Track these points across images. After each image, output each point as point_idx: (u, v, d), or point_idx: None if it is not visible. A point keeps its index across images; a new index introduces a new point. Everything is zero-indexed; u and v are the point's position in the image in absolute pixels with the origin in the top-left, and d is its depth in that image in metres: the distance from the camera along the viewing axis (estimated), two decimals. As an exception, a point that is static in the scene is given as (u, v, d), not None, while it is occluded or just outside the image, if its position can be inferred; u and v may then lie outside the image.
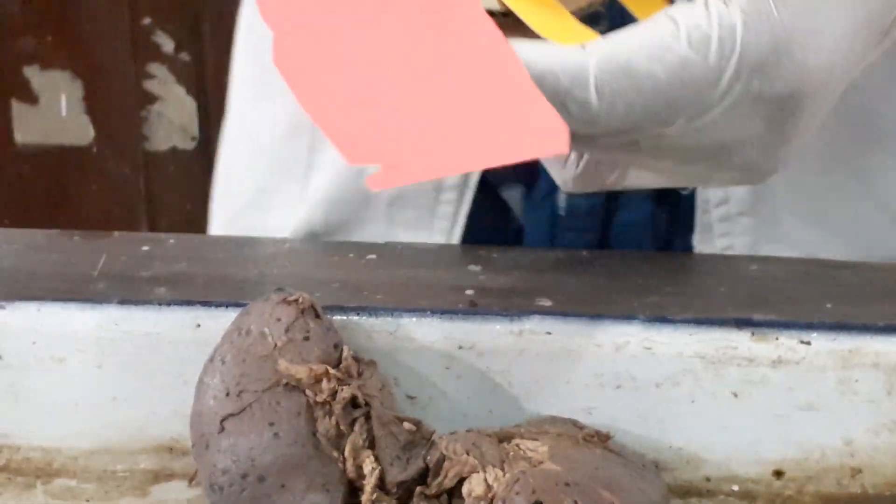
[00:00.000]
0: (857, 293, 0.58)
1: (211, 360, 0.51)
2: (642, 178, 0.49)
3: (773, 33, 0.43)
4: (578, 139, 0.45)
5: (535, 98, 0.42)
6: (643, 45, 0.43)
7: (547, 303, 0.57)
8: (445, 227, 0.69)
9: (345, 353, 0.51)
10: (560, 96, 0.43)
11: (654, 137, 0.45)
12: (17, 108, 1.70)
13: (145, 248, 0.64)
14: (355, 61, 0.45)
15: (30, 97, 1.70)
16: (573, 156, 0.49)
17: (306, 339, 0.51)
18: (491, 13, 0.45)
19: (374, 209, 0.71)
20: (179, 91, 1.68)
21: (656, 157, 0.46)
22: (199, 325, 0.56)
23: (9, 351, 0.57)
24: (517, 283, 0.59)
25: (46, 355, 0.57)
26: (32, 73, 1.69)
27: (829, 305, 0.56)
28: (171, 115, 1.69)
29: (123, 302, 0.57)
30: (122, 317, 0.56)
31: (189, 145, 1.71)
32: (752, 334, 0.54)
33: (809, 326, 0.54)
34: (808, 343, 0.54)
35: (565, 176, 0.49)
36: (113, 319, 0.56)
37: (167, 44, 1.66)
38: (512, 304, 0.57)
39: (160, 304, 0.57)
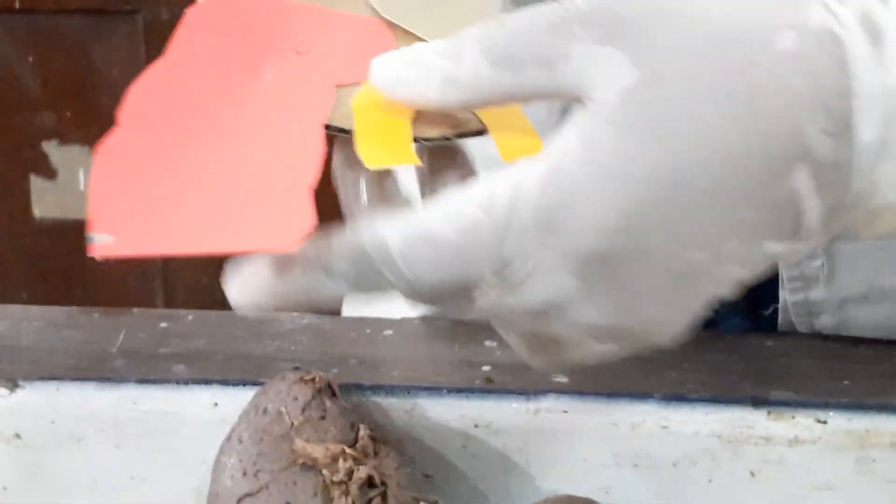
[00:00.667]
0: (875, 371, 0.58)
1: (228, 439, 0.52)
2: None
3: (562, 191, 0.44)
4: (420, 306, 0.47)
5: (302, 195, 0.47)
6: (442, 211, 0.45)
7: (563, 380, 0.57)
8: None
9: (361, 433, 0.51)
10: (376, 269, 0.46)
11: (490, 304, 0.46)
12: (36, 182, 1.72)
13: (164, 324, 0.65)
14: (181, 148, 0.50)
15: (48, 172, 1.72)
16: None
17: (322, 418, 0.51)
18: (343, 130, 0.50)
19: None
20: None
21: (498, 324, 0.48)
22: (216, 404, 0.56)
23: (28, 430, 0.58)
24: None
25: (65, 435, 0.57)
26: (51, 148, 1.71)
27: (846, 383, 0.57)
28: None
29: (142, 381, 0.57)
30: (140, 396, 0.57)
31: (205, 219, 1.73)
32: (769, 413, 0.54)
33: (826, 405, 0.54)
34: (825, 422, 0.54)
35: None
36: (131, 398, 0.57)
37: (185, 119, 1.69)
38: (528, 382, 0.57)
39: (178, 383, 0.57)
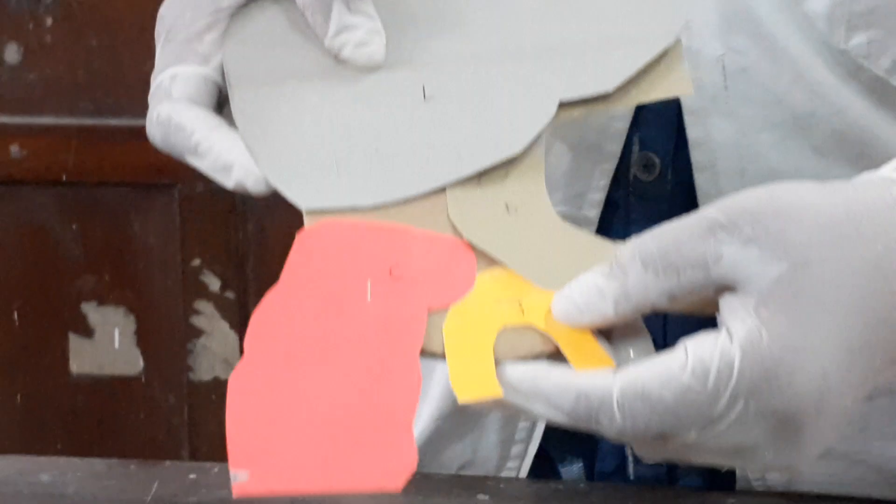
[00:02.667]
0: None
1: None
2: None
3: (763, 364, 0.51)
4: (609, 437, 0.53)
5: (405, 434, 0.52)
6: (656, 372, 0.51)
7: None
8: None
9: None
10: (592, 414, 0.52)
11: (673, 442, 0.52)
12: (74, 340, 1.75)
13: (192, 475, 0.69)
14: (300, 383, 0.54)
15: (86, 331, 1.75)
16: None
17: None
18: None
19: (447, 469, 0.79)
20: (224, 326, 1.73)
21: (683, 456, 0.54)
22: None
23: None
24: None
25: None
26: (90, 309, 1.74)
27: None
28: (214, 348, 1.74)
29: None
30: None
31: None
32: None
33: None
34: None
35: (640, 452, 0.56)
36: None
37: (214, 283, 1.72)
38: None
39: None
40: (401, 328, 0.55)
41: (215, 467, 0.71)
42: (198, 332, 1.74)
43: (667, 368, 0.52)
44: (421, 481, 0.69)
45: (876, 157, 0.70)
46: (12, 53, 1.68)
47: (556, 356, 0.54)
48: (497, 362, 0.54)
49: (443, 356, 0.54)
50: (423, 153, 0.60)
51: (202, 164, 0.62)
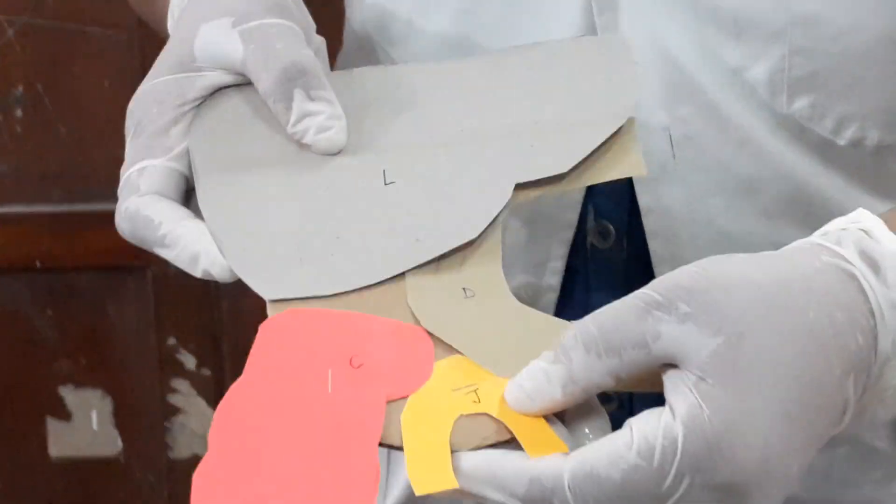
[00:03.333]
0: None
1: None
2: None
3: (705, 439, 0.52)
4: None
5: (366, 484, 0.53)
6: (604, 453, 0.53)
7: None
8: None
9: None
10: (546, 497, 0.53)
11: None
12: (52, 424, 1.74)
13: None
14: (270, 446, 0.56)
15: (64, 414, 1.74)
16: None
17: None
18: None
19: None
20: (201, 403, 1.73)
21: None
22: None
23: None
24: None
25: None
26: (67, 393, 1.74)
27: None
28: (193, 426, 1.74)
29: None
30: None
31: (209, 453, 1.76)
32: None
33: None
34: None
35: None
36: None
37: (189, 361, 1.72)
38: None
39: None
40: (360, 419, 0.56)
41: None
42: (175, 411, 1.74)
43: (614, 449, 0.53)
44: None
45: (824, 218, 0.73)
46: (-17, 145, 1.70)
47: (512, 443, 0.55)
48: (453, 451, 0.55)
49: (401, 447, 0.56)
50: (384, 240, 0.61)
51: (170, 255, 0.63)
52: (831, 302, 0.55)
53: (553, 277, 0.77)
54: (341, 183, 0.64)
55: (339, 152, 0.65)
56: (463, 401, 0.56)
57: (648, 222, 0.75)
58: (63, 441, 1.75)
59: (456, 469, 0.54)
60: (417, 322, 0.59)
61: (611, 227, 0.77)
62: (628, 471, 0.52)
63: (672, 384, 0.54)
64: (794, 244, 0.59)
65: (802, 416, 0.54)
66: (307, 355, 0.58)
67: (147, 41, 1.62)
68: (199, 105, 0.67)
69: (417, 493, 0.54)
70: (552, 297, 0.78)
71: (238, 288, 1.90)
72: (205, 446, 1.90)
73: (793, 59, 0.71)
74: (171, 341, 1.72)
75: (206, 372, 1.72)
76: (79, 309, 1.72)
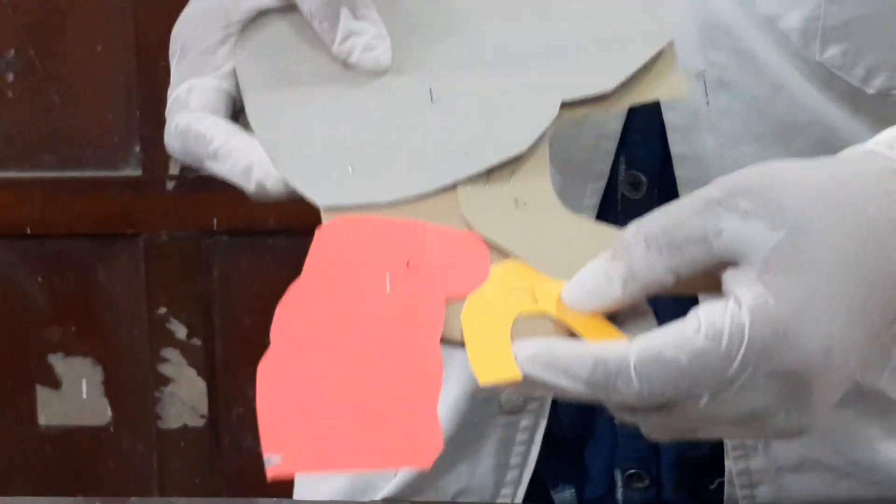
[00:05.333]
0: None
1: None
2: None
3: (772, 326, 0.52)
4: (623, 409, 0.54)
5: (430, 416, 0.53)
6: (670, 337, 0.53)
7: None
8: None
9: None
10: (610, 379, 0.53)
11: (686, 409, 0.53)
12: (42, 392, 1.74)
13: None
14: (324, 368, 0.55)
15: (53, 382, 1.74)
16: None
17: None
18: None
19: (443, 497, 0.79)
20: (191, 373, 1.73)
21: (694, 428, 0.55)
22: None
23: None
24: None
25: None
26: (57, 360, 1.74)
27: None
28: (182, 396, 1.74)
29: None
30: None
31: (199, 423, 1.74)
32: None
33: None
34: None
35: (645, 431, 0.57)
36: None
37: (180, 330, 1.72)
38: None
39: None
40: (420, 316, 0.56)
41: (181, 500, 0.71)
42: (165, 380, 1.74)
43: (681, 333, 0.53)
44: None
45: None
46: (-26, 110, 1.69)
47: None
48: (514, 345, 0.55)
49: (461, 343, 0.56)
50: (434, 152, 0.62)
51: (222, 169, 0.64)
52: (889, 202, 0.55)
53: None
54: (388, 100, 0.64)
55: (384, 71, 0.65)
56: (521, 301, 0.56)
57: (681, 171, 0.75)
58: (53, 409, 1.75)
59: (518, 356, 0.54)
60: (471, 230, 0.59)
61: (643, 177, 0.77)
62: (695, 354, 0.52)
63: (734, 279, 0.54)
64: (847, 150, 0.59)
65: (863, 309, 0.54)
66: (364, 259, 0.58)
67: (141, 6, 1.62)
68: (243, 28, 0.67)
69: (481, 383, 0.54)
70: None
71: (229, 257, 1.90)
72: (195, 417, 1.90)
73: (828, 7, 0.72)
74: (162, 311, 1.72)
75: (197, 342, 1.72)
76: (69, 276, 1.72)
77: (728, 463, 0.76)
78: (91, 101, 1.66)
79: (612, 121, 0.74)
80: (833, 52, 0.73)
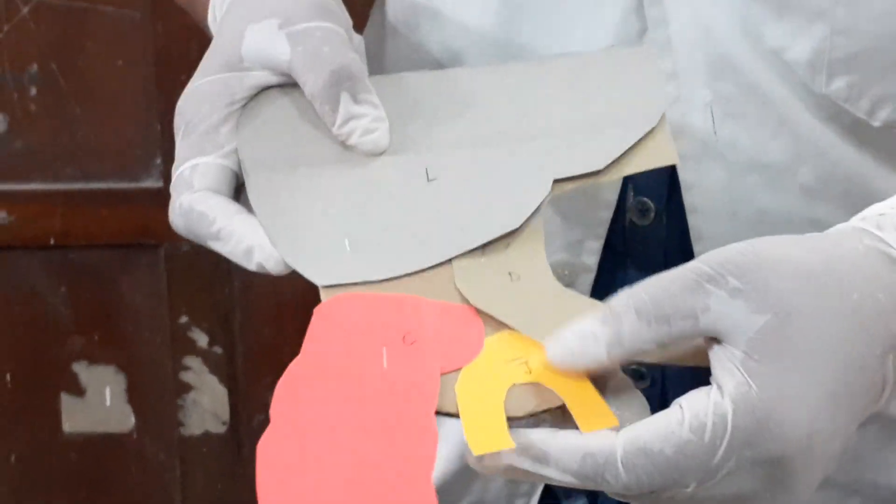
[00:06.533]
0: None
1: None
2: None
3: (755, 415, 0.53)
4: (614, 494, 0.55)
5: (425, 487, 0.54)
6: (655, 429, 0.54)
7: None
8: None
9: None
10: (598, 471, 0.54)
11: (675, 495, 0.55)
12: (66, 400, 1.75)
13: None
14: (325, 442, 0.57)
15: (77, 390, 1.75)
16: None
17: None
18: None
19: None
20: (212, 380, 1.74)
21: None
22: None
23: None
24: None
25: None
26: (80, 369, 1.74)
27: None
28: (204, 403, 1.75)
29: None
30: None
31: (220, 429, 1.75)
32: None
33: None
34: None
35: None
36: None
37: (201, 339, 1.73)
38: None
39: None
40: (416, 389, 0.57)
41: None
42: (187, 388, 1.75)
43: (666, 425, 0.54)
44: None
45: (861, 196, 0.73)
46: (-2, 123, 1.70)
47: (563, 412, 0.56)
48: (508, 419, 0.56)
49: (456, 414, 0.57)
50: (430, 229, 0.64)
51: (224, 249, 0.65)
52: (874, 284, 0.56)
53: (591, 257, 0.78)
54: (386, 180, 0.66)
55: (382, 153, 0.66)
56: (515, 371, 0.57)
57: (689, 198, 0.76)
58: (77, 417, 1.76)
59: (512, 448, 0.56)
60: (466, 303, 0.61)
61: (650, 204, 0.78)
62: (681, 446, 0.53)
63: (718, 361, 0.55)
64: (836, 227, 0.60)
65: (846, 395, 0.55)
66: (361, 335, 0.60)
67: (160, 21, 1.62)
68: (244, 105, 0.68)
69: (476, 453, 0.55)
70: (589, 276, 0.78)
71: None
72: (217, 423, 1.92)
73: (834, 40, 0.72)
74: (184, 319, 1.73)
75: (218, 350, 1.72)
76: (92, 286, 1.73)
77: None
78: (112, 115, 1.66)
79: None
80: (839, 84, 0.73)
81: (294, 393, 0.58)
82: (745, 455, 0.53)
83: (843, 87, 0.72)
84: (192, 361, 1.74)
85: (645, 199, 0.77)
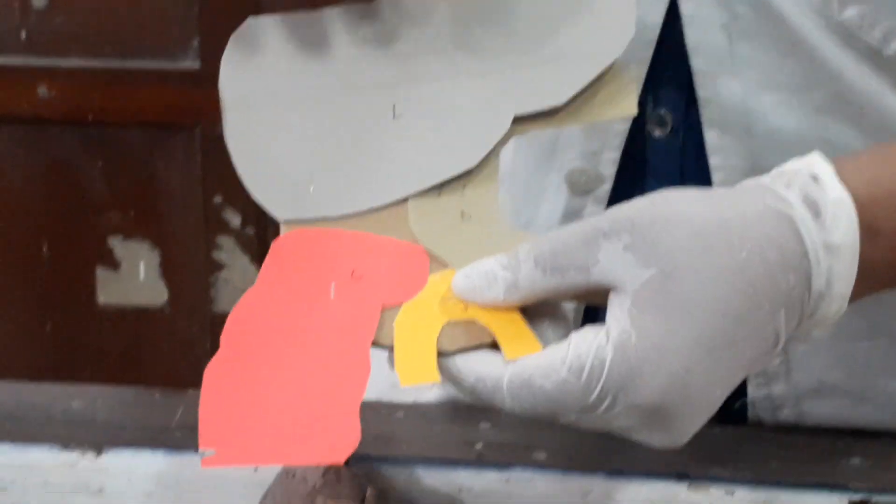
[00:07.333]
0: (792, 455, 0.68)
1: (264, 497, 0.60)
2: None
3: (629, 363, 0.56)
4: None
5: (351, 415, 0.57)
6: (540, 365, 0.57)
7: (541, 456, 0.68)
8: None
9: (368, 493, 0.61)
10: (488, 395, 0.57)
11: (562, 421, 0.58)
12: (101, 273, 1.78)
13: None
14: (266, 368, 0.60)
15: (112, 263, 1.77)
16: None
17: (338, 481, 0.61)
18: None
19: None
20: (244, 260, 1.76)
21: (576, 427, 0.58)
22: (256, 469, 0.65)
23: (110, 486, 0.68)
24: (519, 438, 0.69)
25: (139, 490, 0.67)
26: (116, 243, 1.77)
27: (773, 464, 0.66)
28: (235, 281, 1.77)
29: (199, 451, 0.67)
30: (197, 461, 0.66)
31: (251, 308, 1.79)
32: (689, 486, 0.64)
33: (733, 481, 0.64)
34: (732, 494, 0.64)
35: None
36: (189, 463, 0.66)
37: (235, 219, 1.75)
38: (511, 457, 0.67)
39: None
40: (357, 323, 0.60)
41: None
42: (219, 266, 1.76)
43: (549, 362, 0.57)
44: (425, 411, 0.74)
45: (874, 117, 0.73)
46: (40, -2, 1.70)
47: (494, 345, 0.59)
48: (441, 353, 0.59)
49: (391, 347, 0.59)
50: (390, 167, 0.65)
51: None
52: (765, 243, 0.58)
53: (608, 167, 0.78)
54: (356, 118, 0.67)
55: (356, 88, 0.67)
56: (452, 309, 0.59)
57: (705, 113, 0.76)
58: (111, 289, 1.78)
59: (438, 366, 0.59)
60: (417, 241, 0.63)
61: (669, 117, 0.78)
62: (559, 383, 0.56)
63: (611, 308, 0.58)
64: (745, 183, 0.61)
65: (727, 347, 0.57)
66: (314, 269, 0.62)
67: None
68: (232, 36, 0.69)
69: (402, 384, 0.58)
70: (606, 186, 0.79)
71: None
72: (247, 301, 1.90)
73: None
74: (218, 199, 1.74)
75: (251, 230, 1.74)
76: (129, 163, 1.74)
77: (750, 389, 0.78)
78: (155, -7, 1.66)
79: (637, 66, 0.75)
80: (851, 13, 0.73)
81: (245, 322, 0.60)
82: (618, 398, 0.56)
83: (855, 16, 0.72)
84: (225, 240, 1.76)
85: (663, 111, 0.78)
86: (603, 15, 0.67)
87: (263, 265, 0.62)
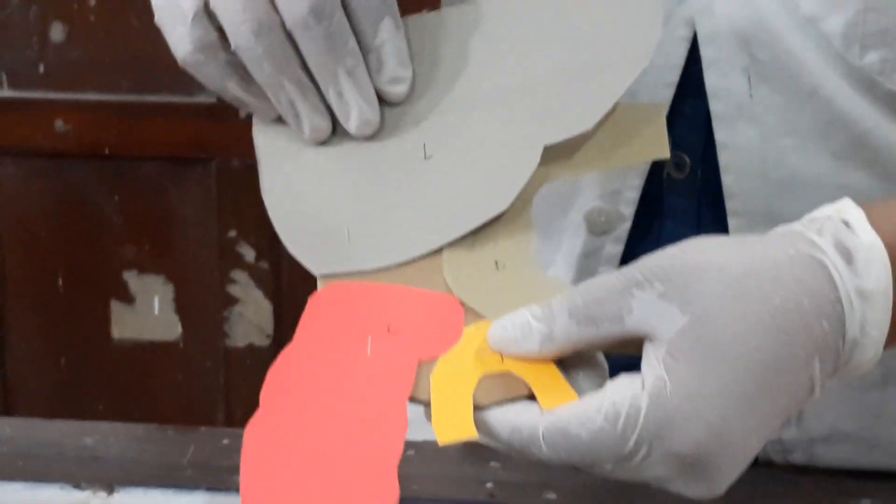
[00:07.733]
0: (808, 496, 0.68)
1: None
2: None
3: (665, 411, 0.56)
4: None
5: (389, 473, 0.57)
6: (576, 413, 0.57)
7: (552, 496, 0.67)
8: None
9: None
10: (524, 445, 0.57)
11: (598, 471, 0.57)
12: (115, 307, 1.78)
13: (225, 441, 0.73)
14: (305, 433, 0.59)
15: (127, 298, 1.78)
16: None
17: None
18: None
19: None
20: (258, 294, 1.76)
21: (611, 478, 0.58)
22: None
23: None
24: (530, 478, 0.69)
25: None
26: (131, 277, 1.77)
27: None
28: (249, 316, 1.77)
29: (209, 489, 0.67)
30: (208, 501, 0.67)
31: (264, 342, 1.78)
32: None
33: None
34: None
35: None
36: (201, 502, 0.67)
37: (249, 254, 1.75)
38: (523, 498, 0.67)
39: (238, 492, 0.66)
40: (394, 378, 0.60)
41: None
42: (233, 301, 1.77)
43: (585, 410, 0.57)
44: (436, 450, 0.74)
45: (890, 163, 0.73)
46: (58, 32, 1.70)
47: (530, 396, 0.59)
48: (477, 407, 0.59)
49: (428, 402, 0.59)
50: (422, 215, 0.65)
51: None
52: (799, 289, 0.58)
53: (627, 207, 0.79)
54: (386, 161, 0.67)
55: (385, 127, 0.67)
56: (488, 360, 0.59)
57: (723, 157, 0.76)
58: (125, 324, 1.79)
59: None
60: (451, 292, 0.63)
61: (687, 159, 0.79)
62: (595, 431, 0.56)
63: (646, 356, 0.58)
64: (777, 230, 0.61)
65: (762, 395, 0.57)
66: (350, 324, 0.62)
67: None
68: None
69: (440, 442, 0.58)
70: (625, 225, 0.79)
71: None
72: (261, 336, 1.93)
73: (867, 15, 0.72)
74: (232, 233, 1.74)
75: (265, 265, 1.74)
76: (144, 197, 1.74)
77: None
78: (169, 28, 1.67)
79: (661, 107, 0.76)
80: (872, 58, 0.73)
81: (283, 379, 0.60)
82: (654, 447, 0.56)
83: (877, 61, 0.72)
84: (239, 275, 1.76)
85: (682, 153, 0.78)
86: (628, 22, 0.67)
87: (301, 320, 0.62)
